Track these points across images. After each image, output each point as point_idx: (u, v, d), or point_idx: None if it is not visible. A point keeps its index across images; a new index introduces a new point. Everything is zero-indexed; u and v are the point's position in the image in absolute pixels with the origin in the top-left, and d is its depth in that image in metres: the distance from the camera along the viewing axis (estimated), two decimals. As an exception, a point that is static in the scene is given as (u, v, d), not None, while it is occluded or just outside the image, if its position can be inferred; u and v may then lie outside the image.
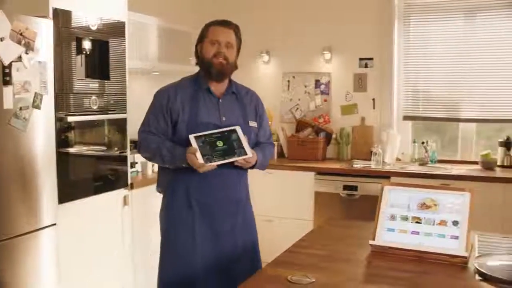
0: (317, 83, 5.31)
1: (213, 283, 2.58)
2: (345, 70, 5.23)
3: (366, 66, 5.14)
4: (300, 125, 5.25)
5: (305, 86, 5.35)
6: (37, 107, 2.90)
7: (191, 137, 2.53)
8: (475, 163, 4.70)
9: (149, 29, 4.34)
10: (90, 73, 3.37)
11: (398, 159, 4.93)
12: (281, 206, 4.74)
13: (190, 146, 2.49)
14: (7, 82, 2.71)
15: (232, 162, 2.53)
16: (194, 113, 2.60)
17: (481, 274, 1.82)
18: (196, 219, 2.60)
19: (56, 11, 3.05)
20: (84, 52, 3.29)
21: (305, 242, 2.31)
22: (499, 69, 4.75)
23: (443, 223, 2.09)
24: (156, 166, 4.15)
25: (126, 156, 3.71)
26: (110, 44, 3.50)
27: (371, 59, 5.12)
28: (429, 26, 4.98)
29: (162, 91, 2.73)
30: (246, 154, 2.54)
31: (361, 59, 5.16)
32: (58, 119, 3.09)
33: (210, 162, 2.49)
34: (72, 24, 3.19)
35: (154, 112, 2.68)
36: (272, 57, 5.49)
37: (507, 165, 4.56)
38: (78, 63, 3.26)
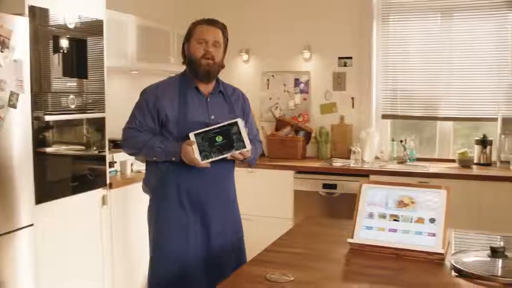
0: (297, 82, 5.33)
1: (204, 281, 2.59)
2: (324, 69, 5.25)
3: (345, 65, 5.17)
4: (280, 124, 5.27)
5: (285, 85, 5.37)
6: (13, 106, 2.86)
7: (191, 135, 2.55)
8: (453, 161, 4.76)
9: (127, 28, 4.31)
10: (68, 72, 3.34)
11: (377, 158, 4.97)
12: (261, 204, 4.74)
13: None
14: (-18, 81, 2.67)
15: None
16: (183, 112, 2.60)
17: (457, 270, 1.85)
18: (190, 219, 2.62)
19: (32, 9, 3.01)
20: (61, 51, 3.26)
21: (284, 240, 2.31)
22: (476, 68, 4.81)
23: (420, 220, 2.11)
24: (135, 165, 4.17)
25: (104, 156, 3.69)
26: (88, 42, 3.47)
27: (350, 58, 5.15)
28: (407, 25, 5.02)
29: (149, 89, 2.72)
30: (245, 147, 2.57)
31: (340, 58, 5.18)
32: (35, 118, 3.06)
33: (207, 158, 2.52)
34: (49, 22, 3.16)
35: (141, 110, 2.68)
36: (251, 56, 5.50)
37: (483, 163, 4.63)
38: (56, 61, 3.23)
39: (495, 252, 1.95)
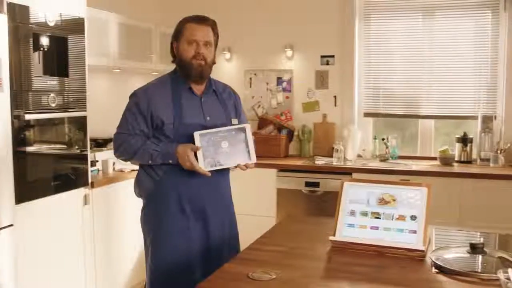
0: (279, 81, 5.34)
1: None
2: (306, 67, 5.27)
3: (327, 63, 5.18)
4: (262, 122, 5.27)
5: (267, 84, 5.37)
6: (-7, 104, 2.83)
7: (196, 135, 2.44)
8: (434, 158, 4.80)
9: (109, 26, 4.28)
10: (49, 70, 3.30)
11: (359, 156, 4.99)
12: (243, 203, 4.69)
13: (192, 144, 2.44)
14: (-40, 79, 2.64)
15: None
16: (179, 115, 2.52)
17: (437, 266, 1.87)
18: (191, 225, 2.55)
19: (11, 6, 2.97)
20: (42, 49, 3.22)
21: (266, 238, 2.32)
22: (456, 67, 4.86)
23: (401, 218, 2.13)
24: (118, 164, 4.15)
25: (86, 155, 3.66)
26: (69, 40, 3.44)
27: (332, 56, 5.17)
28: (389, 24, 5.06)
29: (140, 92, 2.62)
30: (250, 160, 2.49)
31: (322, 56, 5.20)
32: (15, 117, 3.02)
33: (211, 166, 2.43)
34: (29, 19, 3.13)
35: (133, 114, 2.56)
36: (234, 55, 5.49)
37: (464, 161, 4.68)
38: (36, 59, 3.19)
39: (474, 249, 1.97)
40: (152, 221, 2.63)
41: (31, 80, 3.15)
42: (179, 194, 2.54)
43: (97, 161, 4.02)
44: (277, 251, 2.13)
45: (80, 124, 3.59)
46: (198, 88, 2.62)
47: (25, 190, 3.11)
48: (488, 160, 4.56)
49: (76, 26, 3.50)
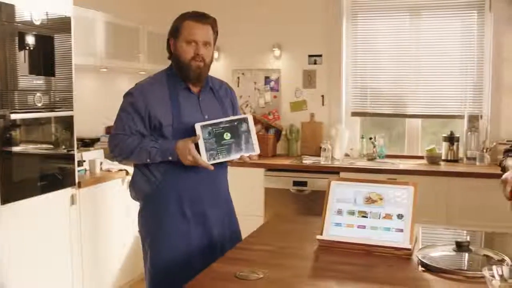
0: (267, 80, 5.34)
1: None
2: (294, 67, 5.28)
3: (315, 63, 5.20)
4: (250, 121, 5.26)
5: (255, 83, 5.37)
6: (-22, 104, 2.81)
7: (198, 126, 2.35)
8: (421, 157, 4.83)
9: (96, 25, 4.26)
10: (35, 70, 3.28)
11: (347, 155, 5.01)
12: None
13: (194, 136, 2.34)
14: None
15: None
16: (177, 115, 2.43)
17: (423, 264, 1.88)
18: (192, 226, 2.47)
19: (-3, 5, 2.96)
20: (27, 48, 3.20)
21: (254, 238, 2.31)
22: (443, 67, 4.90)
23: (388, 216, 2.14)
24: (105, 164, 4.13)
25: (73, 154, 3.64)
26: (55, 39, 3.42)
27: (320, 56, 5.18)
28: (376, 24, 5.08)
29: (135, 91, 2.50)
30: (254, 151, 2.43)
31: (310, 56, 5.21)
32: (1, 117, 3.00)
33: (214, 158, 2.35)
34: (15, 18, 3.10)
35: (128, 114, 2.46)
36: (221, 54, 5.48)
37: (450, 159, 4.71)
38: (22, 59, 3.17)
39: (460, 247, 1.99)
40: (150, 224, 2.52)
41: (17, 80, 3.13)
42: (179, 195, 2.45)
43: (84, 161, 4.00)
44: (264, 251, 2.13)
45: (67, 123, 3.57)
46: (196, 87, 2.54)
47: (11, 191, 3.09)
48: (474, 159, 4.60)
49: (63, 25, 3.48)
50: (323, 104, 5.21)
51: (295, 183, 4.63)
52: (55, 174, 3.48)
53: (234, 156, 2.41)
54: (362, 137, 5.09)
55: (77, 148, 3.79)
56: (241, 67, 5.40)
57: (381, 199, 2.18)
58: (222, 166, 2.54)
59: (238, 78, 5.41)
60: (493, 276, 1.52)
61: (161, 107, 2.43)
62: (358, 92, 5.18)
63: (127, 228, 4.27)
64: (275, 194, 4.67)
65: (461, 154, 4.74)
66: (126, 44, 4.70)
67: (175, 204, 2.46)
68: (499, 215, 4.00)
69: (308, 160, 4.80)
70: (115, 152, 2.51)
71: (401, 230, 2.09)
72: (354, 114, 5.21)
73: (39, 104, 3.30)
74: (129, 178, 4.18)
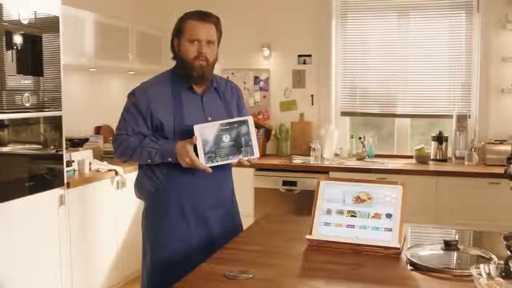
0: (256, 80, 5.35)
1: None
2: (284, 66, 5.28)
3: (304, 62, 5.21)
4: (240, 121, 5.26)
5: (244, 83, 5.37)
6: (-35, 104, 2.79)
7: (196, 128, 2.32)
8: (410, 157, 4.85)
9: (85, 24, 4.24)
10: (23, 69, 3.26)
11: (336, 155, 5.02)
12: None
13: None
14: None
15: None
16: (179, 116, 2.41)
17: (412, 263, 1.89)
18: (192, 228, 2.45)
19: (-16, 4, 2.94)
20: (15, 47, 3.18)
21: (243, 238, 2.31)
22: (431, 66, 4.93)
23: (377, 216, 2.14)
24: (94, 164, 4.11)
25: (62, 155, 3.62)
26: (43, 39, 3.40)
27: (309, 56, 5.19)
28: (365, 24, 5.10)
29: (138, 91, 2.48)
30: (253, 155, 2.38)
31: (299, 55, 5.22)
32: (-12, 117, 2.98)
33: (212, 161, 2.31)
34: (2, 17, 3.08)
35: (131, 114, 2.45)
36: (211, 54, 5.47)
37: (439, 159, 4.74)
38: (9, 58, 3.15)
39: (448, 245, 2.00)
40: (151, 224, 2.53)
41: (4, 79, 3.10)
42: (180, 196, 2.44)
43: (73, 161, 3.97)
44: (254, 250, 2.13)
45: (56, 124, 3.55)
46: (199, 87, 2.50)
47: (-1, 191, 3.07)
48: (462, 158, 4.63)
49: (51, 24, 3.46)
50: (312, 104, 5.23)
51: (285, 183, 4.63)
52: (43, 175, 3.46)
53: (233, 159, 2.38)
54: (352, 137, 5.11)
55: (66, 148, 3.77)
56: (230, 67, 5.40)
57: (370, 198, 2.18)
58: (226, 167, 2.51)
59: (228, 77, 5.39)
60: (480, 275, 1.53)
61: (163, 107, 2.41)
62: (348, 92, 5.20)
63: (117, 228, 4.26)
64: (264, 194, 4.67)
65: (449, 154, 4.77)
66: (116, 44, 4.68)
67: (175, 205, 2.44)
68: (487, 214, 4.04)
69: (297, 160, 4.81)
70: (118, 152, 2.50)
71: (390, 230, 2.09)
72: (344, 113, 5.23)
73: (27, 104, 3.28)
74: (118, 178, 4.19)
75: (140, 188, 2.57)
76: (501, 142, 4.50)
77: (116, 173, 4.17)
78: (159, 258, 2.48)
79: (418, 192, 4.13)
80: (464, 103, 4.87)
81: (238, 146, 2.37)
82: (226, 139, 2.35)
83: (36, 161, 3.43)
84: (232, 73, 5.40)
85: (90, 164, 4.10)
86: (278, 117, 5.30)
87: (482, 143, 4.65)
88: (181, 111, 2.42)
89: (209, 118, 2.45)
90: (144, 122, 2.43)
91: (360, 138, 4.99)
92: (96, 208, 3.99)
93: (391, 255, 2.03)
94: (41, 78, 3.40)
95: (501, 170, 2.68)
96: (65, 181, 3.62)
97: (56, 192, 3.54)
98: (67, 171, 3.71)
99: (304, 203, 4.42)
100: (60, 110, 3.57)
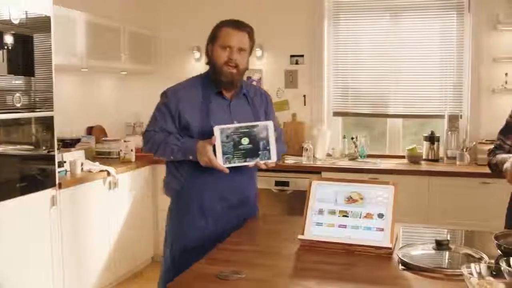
0: (249, 80, 5.32)
1: None
2: (276, 67, 5.29)
3: (297, 63, 5.21)
4: (233, 121, 5.26)
5: (237, 83, 5.36)
6: (-44, 105, 2.77)
7: (216, 129, 2.40)
8: (402, 157, 4.87)
9: (76, 24, 4.23)
10: (14, 70, 3.25)
11: (328, 155, 5.03)
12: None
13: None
14: None
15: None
16: (205, 118, 2.51)
17: (404, 263, 1.89)
18: (210, 226, 2.54)
19: (-26, 4, 2.92)
20: (6, 47, 3.16)
21: (236, 238, 2.31)
22: (423, 67, 4.95)
23: (369, 216, 2.15)
24: (86, 165, 4.10)
25: (53, 155, 3.60)
26: (34, 39, 3.38)
27: (301, 56, 5.20)
28: (358, 24, 5.11)
29: (170, 91, 2.61)
30: (270, 159, 2.44)
31: (292, 56, 5.23)
32: (-21, 117, 2.97)
33: (229, 162, 2.38)
34: (-7, 18, 3.07)
35: (162, 113, 2.57)
36: (203, 54, 5.46)
37: (431, 159, 4.75)
38: (0, 58, 3.13)
39: (440, 245, 2.00)
40: (173, 220, 2.66)
41: (-5, 80, 3.10)
42: (200, 195, 2.55)
43: (65, 162, 3.96)
44: (246, 251, 2.13)
45: (47, 124, 3.54)
46: (228, 92, 2.60)
47: (-10, 192, 3.05)
48: (454, 158, 4.65)
49: (42, 24, 3.45)
50: (304, 104, 5.23)
51: (277, 183, 4.63)
52: (35, 175, 3.44)
53: (250, 162, 2.43)
54: (344, 137, 5.12)
55: (58, 148, 3.76)
56: (223, 67, 5.39)
57: (361, 198, 2.19)
58: (249, 170, 2.58)
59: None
60: (471, 274, 1.54)
61: (191, 108, 2.52)
62: (340, 92, 5.21)
63: (109, 229, 4.25)
64: (257, 194, 4.66)
65: (441, 154, 4.79)
66: (107, 44, 4.67)
67: (196, 203, 2.56)
68: (479, 213, 4.06)
69: (290, 160, 4.81)
70: (147, 148, 2.62)
71: (382, 229, 2.10)
72: (336, 114, 5.24)
73: (18, 105, 3.26)
74: (110, 179, 4.18)
75: (167, 186, 2.70)
76: (492, 142, 4.49)
77: (108, 173, 4.17)
78: (179, 248, 2.57)
79: (410, 192, 4.15)
80: (456, 103, 4.89)
81: (256, 149, 2.43)
82: (245, 141, 2.42)
83: (28, 162, 3.42)
84: (225, 73, 5.38)
85: (82, 164, 4.09)
86: (270, 117, 5.29)
87: (474, 143, 4.67)
88: (208, 114, 2.52)
89: (235, 122, 2.51)
90: (172, 121, 2.54)
91: (352, 138, 5.00)
92: (88, 209, 3.98)
93: (383, 255, 2.04)
94: (32, 78, 3.38)
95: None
96: (57, 181, 3.61)
97: (48, 192, 3.53)
98: (58, 172, 3.70)
99: (297, 203, 4.42)
100: (52, 111, 3.56)
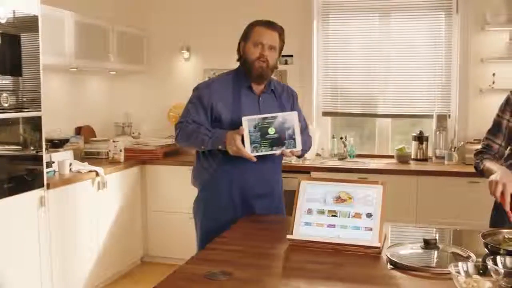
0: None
1: None
2: (266, 67, 5.27)
3: (286, 63, 5.21)
4: (222, 121, 5.25)
5: (227, 83, 5.35)
6: None
7: (244, 120, 2.52)
8: (391, 157, 4.89)
9: (65, 24, 4.20)
10: (1, 69, 3.22)
11: (318, 155, 5.04)
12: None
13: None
14: None
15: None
16: (237, 110, 2.64)
17: (392, 262, 1.90)
18: (238, 215, 2.66)
19: (-39, 4, 2.90)
20: (-8, 47, 3.15)
21: (224, 238, 2.31)
22: (412, 67, 4.97)
23: (357, 215, 2.15)
24: (74, 165, 4.08)
25: (41, 156, 3.58)
26: (22, 38, 3.36)
27: (291, 56, 5.19)
28: (347, 25, 5.13)
29: (203, 86, 2.76)
30: (295, 147, 2.56)
31: (281, 56, 5.21)
32: (-34, 118, 2.94)
33: (257, 151, 2.51)
34: (-20, 17, 3.05)
35: (194, 105, 2.70)
36: (192, 54, 5.47)
37: (420, 158, 4.78)
38: (-14, 58, 3.12)
39: (428, 244, 2.01)
40: (201, 210, 2.77)
41: (-18, 79, 3.07)
42: (230, 184, 2.68)
43: (53, 162, 3.94)
44: (234, 251, 2.13)
45: (35, 124, 3.52)
46: (258, 88, 2.74)
47: (-23, 193, 3.03)
48: (443, 157, 4.68)
49: (30, 24, 3.43)
50: (294, 104, 5.22)
51: (267, 183, 4.62)
52: (23, 176, 3.42)
53: (276, 150, 2.55)
54: (333, 137, 5.13)
55: (46, 149, 3.73)
56: (212, 67, 5.38)
57: (350, 198, 2.19)
58: (275, 161, 2.77)
59: (209, 77, 5.34)
60: (458, 273, 1.54)
61: (222, 101, 2.67)
62: (329, 92, 5.22)
63: (98, 230, 4.23)
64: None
65: (430, 153, 4.81)
66: (96, 43, 4.65)
67: (226, 192, 2.69)
68: (467, 212, 4.08)
69: (279, 160, 4.81)
70: (178, 139, 2.74)
71: (370, 229, 2.10)
72: (325, 114, 5.25)
73: (6, 105, 3.24)
74: (99, 179, 4.16)
75: (195, 176, 2.83)
76: (480, 141, 4.53)
77: (97, 174, 4.15)
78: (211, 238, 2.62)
79: (398, 192, 4.16)
80: (444, 103, 4.91)
81: (282, 138, 2.55)
82: (272, 131, 2.54)
83: (16, 162, 3.39)
84: (214, 73, 5.37)
85: (70, 165, 4.07)
86: (260, 117, 5.29)
87: (462, 142, 4.70)
88: (239, 107, 2.66)
89: None
90: (204, 113, 2.67)
91: (341, 138, 5.01)
92: (77, 210, 3.96)
93: (372, 254, 2.04)
94: (20, 78, 3.36)
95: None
96: (45, 182, 3.59)
97: (36, 193, 3.51)
98: (47, 172, 3.68)
99: (286, 203, 4.42)
100: (40, 111, 3.54)
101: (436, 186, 4.28)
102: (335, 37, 5.17)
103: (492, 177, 2.30)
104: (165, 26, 5.46)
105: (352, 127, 5.29)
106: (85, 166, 4.14)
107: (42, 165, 3.58)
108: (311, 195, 2.23)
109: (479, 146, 2.72)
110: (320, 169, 4.53)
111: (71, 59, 4.29)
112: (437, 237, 2.20)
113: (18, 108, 3.35)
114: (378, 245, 2.05)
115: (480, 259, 1.81)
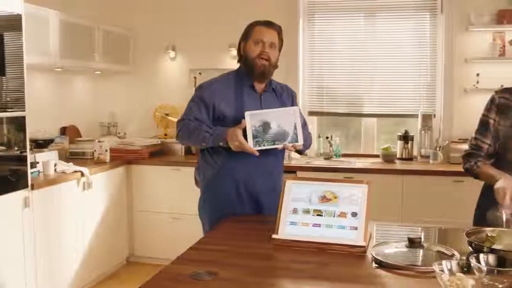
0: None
1: None
2: (252, 66, 5.27)
3: (272, 62, 5.20)
4: (208, 121, 5.24)
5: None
6: None
7: (247, 114, 2.56)
8: (377, 156, 4.91)
9: (49, 23, 4.17)
10: (-17, 69, 3.20)
11: (304, 154, 5.03)
12: (187, 203, 4.68)
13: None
14: None
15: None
16: (240, 109, 2.66)
17: (377, 261, 1.90)
18: (246, 211, 2.73)
19: None
20: (-24, 46, 3.11)
21: (209, 238, 2.31)
22: (397, 67, 4.99)
23: (342, 214, 2.16)
24: (59, 165, 4.05)
25: (26, 156, 3.55)
26: (5, 38, 3.33)
27: (277, 56, 5.18)
28: (333, 24, 5.14)
29: (206, 86, 2.80)
30: (297, 141, 2.60)
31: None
32: (-52, 118, 2.91)
33: (259, 145, 2.55)
34: (-37, 16, 3.02)
35: (196, 103, 2.74)
36: (178, 54, 5.45)
37: (405, 158, 4.80)
38: (-31, 57, 3.08)
39: (412, 243, 2.02)
40: (207, 207, 2.80)
41: (-35, 79, 3.04)
42: (236, 180, 2.72)
43: (38, 163, 3.91)
44: (220, 251, 2.12)
45: (19, 124, 3.48)
46: (259, 86, 2.79)
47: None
48: (428, 157, 4.71)
49: (13, 22, 3.40)
50: (280, 104, 5.23)
51: (253, 183, 4.62)
52: (7, 176, 3.39)
53: (279, 145, 2.60)
54: (319, 136, 5.14)
55: (30, 149, 3.70)
56: (198, 67, 5.38)
57: (335, 197, 2.20)
58: (278, 156, 2.82)
59: (195, 77, 5.38)
60: (442, 271, 1.55)
61: (225, 100, 2.71)
62: (315, 91, 5.23)
63: (83, 230, 4.20)
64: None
65: (415, 153, 4.84)
66: (81, 43, 4.62)
67: (232, 188, 2.73)
68: (452, 211, 4.11)
69: (266, 160, 4.81)
70: (179, 136, 2.79)
71: (356, 228, 2.11)
72: (311, 113, 5.26)
73: (-11, 105, 3.21)
74: (84, 179, 4.14)
75: (200, 173, 2.86)
76: (465, 141, 4.57)
77: (82, 174, 4.12)
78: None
79: (384, 191, 4.18)
80: (429, 102, 4.95)
81: (284, 132, 2.60)
82: (274, 126, 2.58)
83: (-1, 163, 3.37)
84: (200, 73, 5.37)
85: (55, 165, 4.04)
86: (246, 117, 5.28)
87: (447, 142, 4.74)
88: (242, 105, 2.70)
89: None
90: (206, 111, 2.71)
91: (327, 137, 5.03)
92: (62, 210, 3.94)
93: (357, 253, 2.05)
94: (3, 77, 3.33)
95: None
96: (30, 182, 3.56)
97: (20, 194, 3.48)
98: (31, 173, 3.65)
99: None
100: (24, 111, 3.51)
101: (421, 185, 4.31)
102: (320, 37, 5.18)
103: (499, 185, 2.33)
104: (150, 25, 5.44)
105: (338, 127, 5.30)
106: (70, 167, 4.11)
107: (27, 165, 3.55)
108: (297, 194, 2.23)
109: (466, 147, 2.73)
110: (306, 169, 4.55)
111: (55, 58, 4.26)
112: (422, 236, 2.22)
113: (1, 108, 3.32)
114: (363, 244, 2.06)
115: (464, 257, 1.83)
